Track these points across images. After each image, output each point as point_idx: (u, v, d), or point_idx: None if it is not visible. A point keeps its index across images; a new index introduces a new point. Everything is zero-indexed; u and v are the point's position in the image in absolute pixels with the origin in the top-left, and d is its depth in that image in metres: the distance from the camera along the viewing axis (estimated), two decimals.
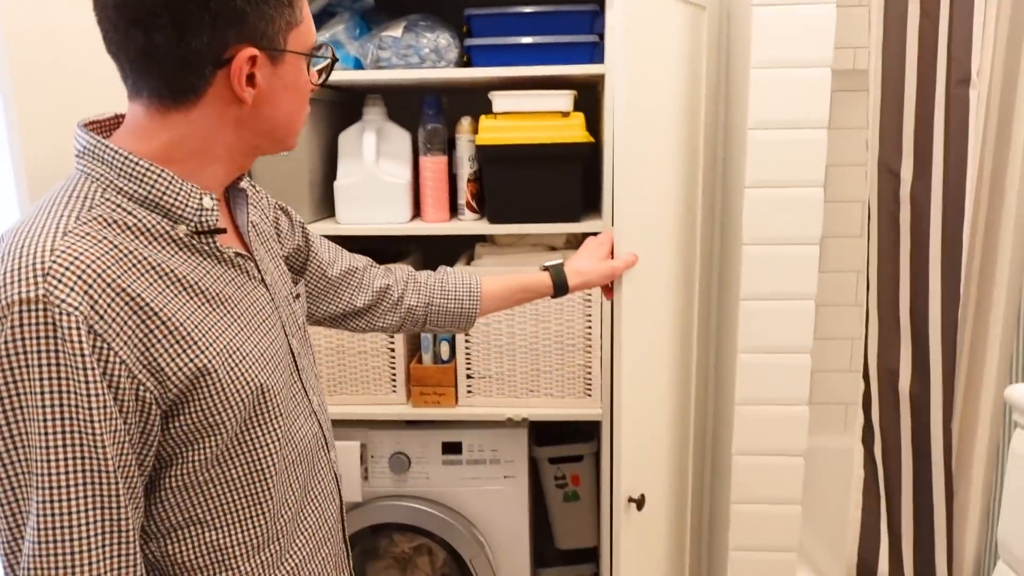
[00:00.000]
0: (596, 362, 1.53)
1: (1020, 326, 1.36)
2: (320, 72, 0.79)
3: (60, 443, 0.61)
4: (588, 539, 1.69)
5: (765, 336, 1.35)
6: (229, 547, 0.74)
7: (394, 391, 1.58)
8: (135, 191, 0.68)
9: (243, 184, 0.83)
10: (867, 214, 1.38)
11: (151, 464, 0.69)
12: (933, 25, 1.27)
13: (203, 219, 0.72)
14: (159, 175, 0.69)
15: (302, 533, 0.82)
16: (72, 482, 0.61)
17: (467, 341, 1.54)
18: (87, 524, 0.62)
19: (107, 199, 0.68)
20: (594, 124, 1.55)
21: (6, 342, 0.60)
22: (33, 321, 0.60)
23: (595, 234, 1.52)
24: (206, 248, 0.73)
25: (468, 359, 1.55)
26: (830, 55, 1.26)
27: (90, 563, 0.62)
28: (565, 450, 1.64)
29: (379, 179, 1.50)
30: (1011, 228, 1.33)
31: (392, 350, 1.56)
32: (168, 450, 0.69)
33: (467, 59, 1.48)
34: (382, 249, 1.73)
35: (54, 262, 0.61)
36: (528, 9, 1.43)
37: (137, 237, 0.67)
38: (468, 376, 1.56)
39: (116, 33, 0.67)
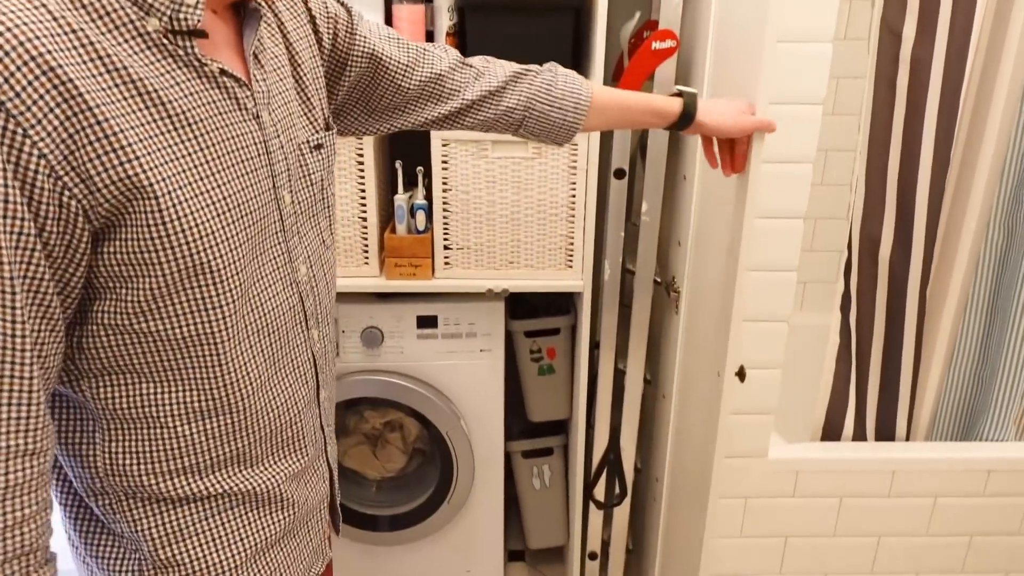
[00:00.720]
0: (579, 232, 1.49)
1: (1001, 187, 1.39)
2: None
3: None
4: (561, 411, 1.70)
5: (765, 202, 1.32)
6: (168, 404, 0.66)
7: (367, 263, 1.49)
8: None
9: (255, 4, 0.70)
10: (866, 75, 1.34)
11: (79, 294, 0.59)
12: None
13: (179, 14, 0.59)
14: None
15: (268, 412, 0.73)
16: None
17: (445, 210, 1.46)
18: None
19: None
20: None
21: None
22: None
23: None
24: (180, 54, 0.60)
25: (446, 229, 1.47)
26: None
27: None
28: (542, 323, 1.62)
29: None
30: (1004, 91, 1.32)
31: (364, 219, 1.46)
32: (99, 282, 0.60)
33: None
34: None
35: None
36: None
37: (93, 20, 0.55)
38: (445, 247, 1.49)
39: None
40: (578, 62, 1.53)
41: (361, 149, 1.41)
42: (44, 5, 0.53)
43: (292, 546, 0.80)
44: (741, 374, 1.31)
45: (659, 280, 1.60)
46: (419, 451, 1.78)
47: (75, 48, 0.54)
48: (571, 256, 1.51)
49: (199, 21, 0.60)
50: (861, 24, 1.90)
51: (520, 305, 1.69)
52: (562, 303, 1.72)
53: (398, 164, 1.49)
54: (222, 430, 0.69)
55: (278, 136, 0.71)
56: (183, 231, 0.60)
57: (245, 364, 0.69)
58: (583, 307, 1.54)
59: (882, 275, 1.42)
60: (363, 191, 1.44)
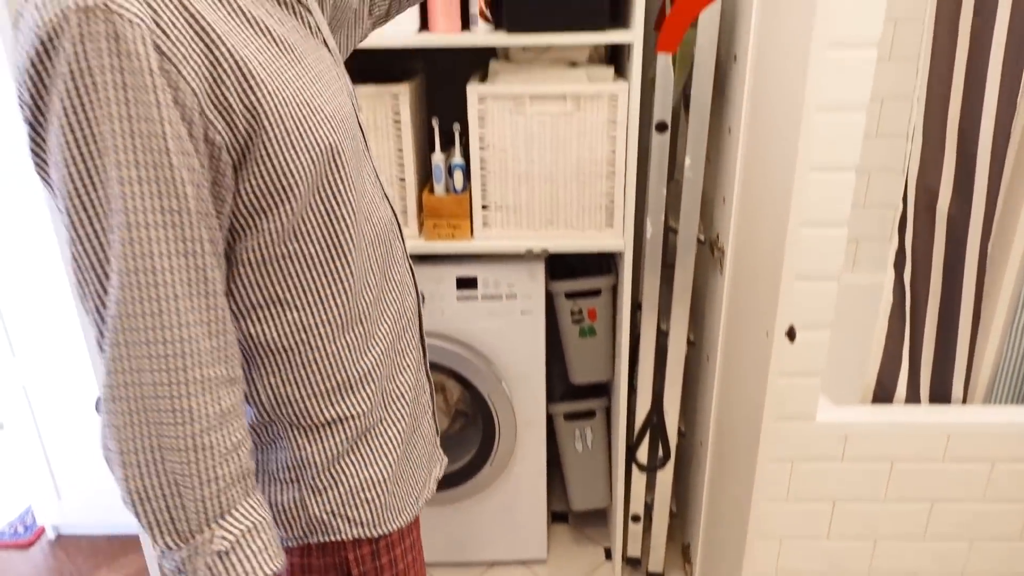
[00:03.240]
0: (620, 190, 1.45)
1: None
2: None
3: (136, 176, 0.52)
4: (603, 373, 1.68)
5: (820, 154, 1.26)
6: (313, 326, 0.68)
7: (405, 223, 1.48)
8: None
9: None
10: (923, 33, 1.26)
11: (227, 227, 0.61)
12: None
13: None
14: None
15: (384, 321, 0.76)
16: (153, 222, 0.53)
17: (483, 169, 1.44)
18: (172, 270, 0.55)
19: None
20: None
21: (68, 60, 0.49)
22: (95, 32, 0.49)
23: (623, 46, 1.39)
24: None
25: (484, 189, 1.45)
26: None
27: (178, 311, 0.55)
28: (583, 284, 1.59)
29: None
30: None
31: (402, 180, 1.45)
32: (241, 219, 0.61)
33: None
34: (385, 68, 1.58)
35: None
36: None
37: None
38: (484, 207, 1.47)
39: None
40: (618, 11, 1.48)
41: (397, 108, 1.39)
42: None
43: (418, 448, 0.84)
44: (791, 334, 1.27)
45: (703, 239, 1.56)
46: (461, 413, 1.79)
47: None
48: (612, 215, 1.47)
49: None
50: None
51: (561, 265, 1.67)
52: (603, 263, 1.69)
53: (435, 122, 1.47)
54: (357, 342, 0.72)
55: (338, 64, 0.74)
56: (309, 147, 0.62)
57: (366, 274, 0.72)
58: (624, 267, 1.51)
59: (940, 230, 1.34)
60: (400, 151, 1.43)
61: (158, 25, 0.51)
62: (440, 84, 1.67)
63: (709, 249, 1.54)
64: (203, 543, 0.58)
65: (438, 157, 1.45)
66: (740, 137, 1.32)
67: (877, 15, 1.16)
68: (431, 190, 1.48)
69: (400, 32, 1.37)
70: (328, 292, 0.68)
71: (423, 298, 1.55)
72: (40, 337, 1.75)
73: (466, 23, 1.41)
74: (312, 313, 0.68)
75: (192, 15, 0.54)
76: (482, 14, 1.38)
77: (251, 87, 0.57)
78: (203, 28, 0.54)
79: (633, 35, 1.33)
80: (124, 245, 0.53)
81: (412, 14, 1.37)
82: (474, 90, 1.37)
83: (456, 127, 1.49)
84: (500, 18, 1.38)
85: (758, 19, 1.21)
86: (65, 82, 0.50)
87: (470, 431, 1.75)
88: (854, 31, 1.17)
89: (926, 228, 1.36)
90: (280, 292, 0.66)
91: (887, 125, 1.94)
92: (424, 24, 1.41)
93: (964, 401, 1.45)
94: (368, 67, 1.53)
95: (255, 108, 0.57)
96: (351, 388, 0.72)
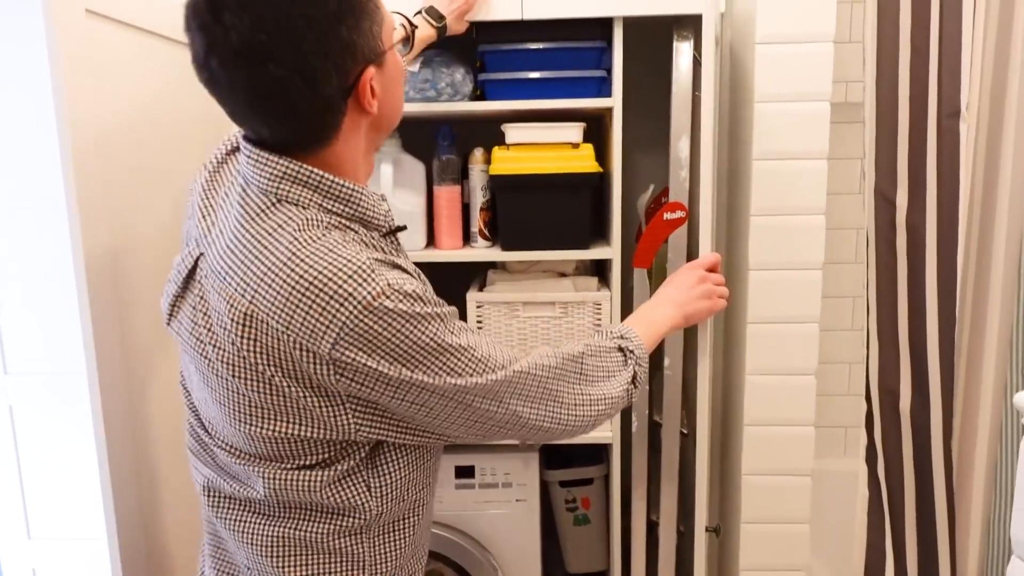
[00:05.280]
0: None
1: (1014, 345, 1.42)
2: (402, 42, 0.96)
3: (479, 339, 0.82)
4: (598, 562, 1.72)
5: (771, 359, 1.40)
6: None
7: None
8: (342, 209, 0.77)
9: None
10: (864, 240, 1.44)
11: None
12: (923, 62, 1.34)
13: (389, 222, 0.82)
14: (356, 190, 0.78)
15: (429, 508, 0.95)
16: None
17: None
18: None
19: (330, 221, 0.77)
20: (603, 153, 1.61)
21: (413, 316, 0.74)
22: (399, 292, 0.74)
23: (604, 261, 1.58)
24: (394, 248, 0.83)
25: None
26: (829, 89, 1.33)
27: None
28: (576, 473, 1.67)
29: (395, 208, 1.55)
30: (1002, 254, 1.39)
31: None
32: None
33: (480, 93, 1.55)
34: None
35: (365, 259, 0.73)
36: (539, 46, 1.49)
37: (367, 244, 0.79)
38: None
39: (252, 104, 0.73)
40: (598, 229, 1.69)
41: None
42: (354, 242, 0.76)
43: None
44: (716, 530, 1.33)
45: (685, 431, 1.65)
46: None
47: (378, 254, 0.78)
48: None
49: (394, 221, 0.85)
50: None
51: (555, 453, 1.76)
52: (596, 452, 1.77)
53: None
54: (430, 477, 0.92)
55: None
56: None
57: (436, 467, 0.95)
58: (614, 458, 1.60)
59: (905, 429, 1.44)
60: None
61: (389, 282, 0.77)
62: (443, 292, 1.86)
63: (692, 440, 1.63)
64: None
65: None
66: (708, 333, 1.46)
67: (818, 247, 1.34)
68: None
69: (410, 248, 1.57)
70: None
71: None
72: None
73: (467, 239, 1.62)
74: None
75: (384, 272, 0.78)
76: (481, 233, 1.58)
77: None
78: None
79: (612, 252, 1.52)
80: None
81: (420, 232, 1.58)
82: (473, 298, 1.55)
83: None
84: (496, 237, 1.58)
85: (714, 237, 1.39)
86: None
87: None
88: (799, 257, 1.34)
89: (893, 426, 1.45)
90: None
91: (834, 320, 2.08)
92: (431, 241, 1.62)
93: None
94: None
95: None
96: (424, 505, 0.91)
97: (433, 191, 1.58)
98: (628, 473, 1.60)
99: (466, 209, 1.61)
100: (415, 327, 0.74)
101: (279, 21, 0.70)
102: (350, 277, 0.72)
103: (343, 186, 0.77)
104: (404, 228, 0.85)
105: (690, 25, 1.39)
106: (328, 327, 0.72)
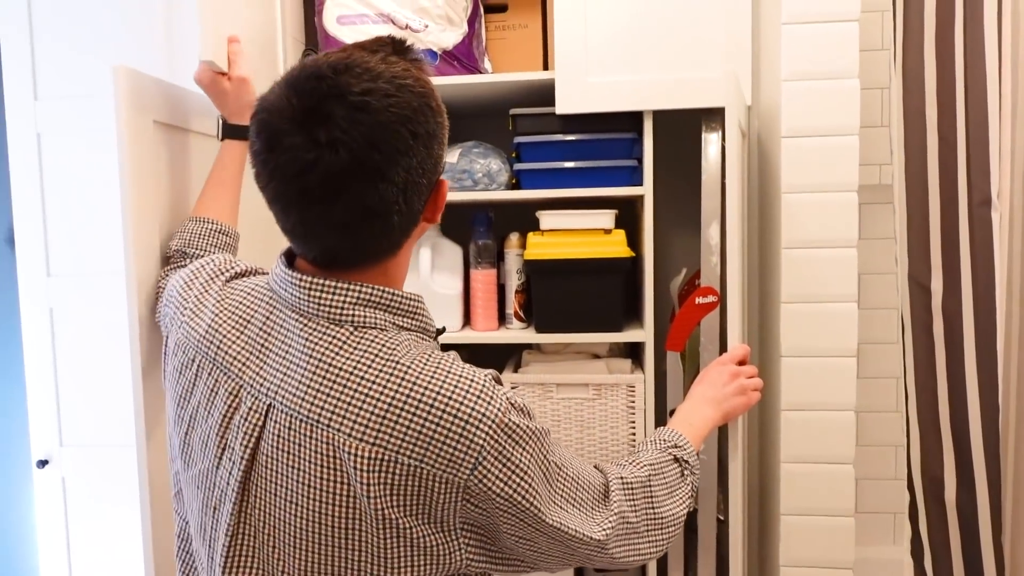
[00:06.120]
0: None
1: None
2: None
3: (566, 456, 0.82)
4: None
5: (807, 447, 1.38)
6: None
7: None
8: (410, 323, 0.77)
9: None
10: (900, 323, 1.43)
11: None
12: (951, 151, 1.35)
13: (436, 326, 0.82)
14: (416, 302, 0.78)
15: None
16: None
17: None
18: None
19: (411, 338, 0.75)
20: (635, 237, 1.65)
21: (533, 432, 0.74)
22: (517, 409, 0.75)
23: (637, 343, 1.60)
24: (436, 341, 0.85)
25: None
26: (856, 180, 1.35)
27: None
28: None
29: (433, 291, 1.60)
30: None
31: None
32: None
33: (516, 181, 1.61)
34: None
35: (481, 376, 0.73)
36: (572, 137, 1.56)
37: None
38: None
39: (349, 223, 0.70)
40: (632, 312, 1.71)
41: None
42: (453, 358, 0.76)
43: None
44: None
45: (722, 518, 1.62)
46: None
47: None
48: None
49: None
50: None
51: None
52: None
53: None
54: None
55: None
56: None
57: None
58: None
59: (952, 519, 1.39)
60: None
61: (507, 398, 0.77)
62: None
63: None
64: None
65: None
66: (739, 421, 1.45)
67: (851, 331, 1.34)
68: None
69: (447, 330, 1.62)
70: None
71: None
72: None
73: (503, 321, 1.65)
74: None
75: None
76: (516, 315, 1.62)
77: None
78: None
79: (645, 334, 1.53)
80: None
81: (457, 314, 1.63)
82: (508, 378, 1.57)
83: None
84: (531, 319, 1.62)
85: (748, 321, 1.40)
86: None
87: None
88: (832, 343, 1.34)
89: (939, 518, 1.40)
90: None
91: (876, 402, 2.03)
92: (467, 322, 1.67)
93: None
94: None
95: None
96: None
97: (470, 274, 1.64)
98: (664, 560, 1.57)
99: (501, 291, 1.65)
100: (537, 445, 0.74)
101: (390, 139, 0.67)
102: (478, 397, 0.70)
103: (407, 299, 0.76)
104: (444, 331, 0.86)
105: (717, 116, 1.44)
106: (467, 452, 0.69)
